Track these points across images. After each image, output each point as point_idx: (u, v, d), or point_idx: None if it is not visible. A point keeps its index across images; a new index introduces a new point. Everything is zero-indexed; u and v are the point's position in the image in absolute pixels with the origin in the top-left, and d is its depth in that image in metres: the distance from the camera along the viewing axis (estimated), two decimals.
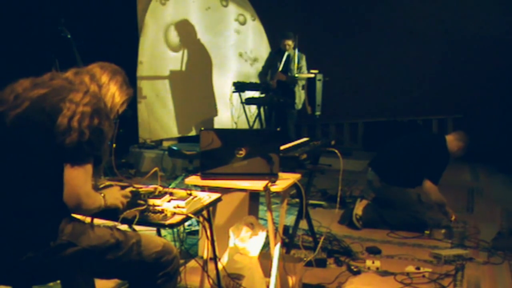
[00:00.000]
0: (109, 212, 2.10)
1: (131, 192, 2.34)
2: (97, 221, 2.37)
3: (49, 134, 1.86)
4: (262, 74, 7.22)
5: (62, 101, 1.90)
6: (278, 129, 3.04)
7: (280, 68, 6.75)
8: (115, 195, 2.12)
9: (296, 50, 6.78)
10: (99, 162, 1.98)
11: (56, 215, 1.90)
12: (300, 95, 6.92)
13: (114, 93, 2.12)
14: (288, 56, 6.76)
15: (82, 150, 1.87)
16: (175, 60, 7.26)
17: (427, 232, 4.27)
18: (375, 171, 4.60)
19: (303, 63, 6.87)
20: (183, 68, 7.34)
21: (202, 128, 2.72)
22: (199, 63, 7.64)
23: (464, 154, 4.57)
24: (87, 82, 2.06)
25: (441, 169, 4.47)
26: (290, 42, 6.72)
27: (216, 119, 7.84)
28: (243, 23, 8.12)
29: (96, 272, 2.08)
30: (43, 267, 1.88)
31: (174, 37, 7.19)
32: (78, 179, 1.87)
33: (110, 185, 2.42)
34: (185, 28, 7.33)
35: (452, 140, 4.53)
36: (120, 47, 6.28)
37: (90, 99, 1.94)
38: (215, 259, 2.60)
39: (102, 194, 2.02)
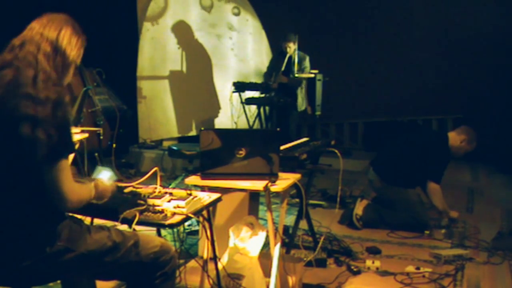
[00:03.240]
0: (109, 212, 2.10)
1: (131, 192, 2.34)
2: (97, 221, 2.36)
3: (21, 142, 1.78)
4: (267, 76, 7.21)
5: (17, 108, 1.79)
6: (278, 129, 3.04)
7: (282, 69, 6.75)
8: (106, 185, 2.10)
9: (298, 51, 6.78)
10: (71, 148, 1.92)
11: (51, 221, 1.88)
12: (303, 97, 6.92)
13: (69, 53, 2.11)
14: (290, 58, 6.77)
15: (54, 151, 1.80)
16: (175, 60, 7.25)
17: (427, 232, 4.27)
18: (375, 172, 4.60)
19: (307, 64, 6.87)
20: (183, 68, 7.34)
21: (202, 128, 2.72)
22: (199, 63, 7.63)
23: (471, 148, 4.52)
24: (31, 60, 1.95)
25: (442, 167, 4.46)
26: (291, 44, 6.72)
27: (216, 119, 7.83)
28: (237, 14, 8.08)
29: (94, 274, 2.07)
30: (40, 273, 1.88)
31: (173, 37, 7.18)
32: (57, 179, 1.81)
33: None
34: (184, 28, 7.33)
35: (454, 135, 4.53)
36: (120, 47, 6.27)
37: (46, 93, 1.82)
38: (215, 259, 2.60)
39: (93, 184, 2.00)
